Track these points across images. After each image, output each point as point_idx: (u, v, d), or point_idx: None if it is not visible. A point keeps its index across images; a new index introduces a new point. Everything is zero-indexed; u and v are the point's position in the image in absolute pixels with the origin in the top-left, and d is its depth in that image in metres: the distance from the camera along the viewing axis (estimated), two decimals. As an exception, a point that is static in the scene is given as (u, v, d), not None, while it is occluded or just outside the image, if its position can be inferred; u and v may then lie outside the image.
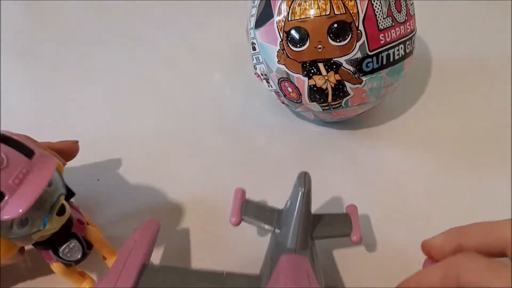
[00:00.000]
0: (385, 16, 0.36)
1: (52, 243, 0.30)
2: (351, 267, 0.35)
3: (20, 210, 0.25)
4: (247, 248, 0.36)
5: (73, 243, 0.31)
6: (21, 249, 0.31)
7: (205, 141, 0.44)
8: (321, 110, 0.40)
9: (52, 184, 0.29)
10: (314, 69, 0.36)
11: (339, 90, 0.37)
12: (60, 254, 0.30)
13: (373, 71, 0.37)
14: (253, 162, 0.42)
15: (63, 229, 0.30)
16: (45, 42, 0.55)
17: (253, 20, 0.39)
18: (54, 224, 0.29)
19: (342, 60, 0.36)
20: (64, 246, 0.30)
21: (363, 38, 0.35)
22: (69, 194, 0.31)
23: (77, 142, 0.35)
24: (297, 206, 0.30)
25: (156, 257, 0.36)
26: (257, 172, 0.42)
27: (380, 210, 0.38)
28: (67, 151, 0.34)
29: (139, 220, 0.38)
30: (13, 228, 0.27)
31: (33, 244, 0.30)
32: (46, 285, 0.34)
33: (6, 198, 0.25)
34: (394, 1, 0.36)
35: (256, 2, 0.39)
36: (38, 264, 0.35)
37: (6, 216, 0.25)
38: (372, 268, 0.35)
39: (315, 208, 0.39)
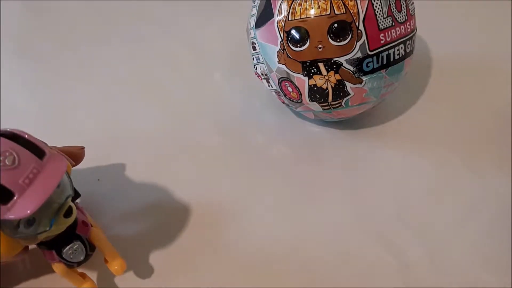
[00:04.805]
0: (385, 16, 0.36)
1: (56, 244, 0.30)
2: (349, 265, 0.35)
3: (28, 211, 0.25)
4: (248, 248, 0.36)
5: (77, 245, 0.31)
6: (25, 247, 0.31)
7: (205, 141, 0.44)
8: (321, 109, 0.40)
9: (60, 185, 0.28)
10: (314, 69, 0.36)
11: (340, 90, 0.37)
12: (63, 255, 0.30)
13: (373, 70, 0.37)
14: (253, 162, 0.42)
15: (67, 231, 0.30)
16: (45, 42, 0.55)
17: (253, 20, 0.39)
18: (60, 226, 0.29)
19: (342, 60, 0.36)
20: (67, 247, 0.30)
21: (363, 37, 0.35)
22: (75, 195, 0.31)
23: (83, 148, 0.35)
24: None
25: (157, 258, 0.36)
26: (257, 172, 0.42)
27: (380, 209, 0.38)
28: (73, 157, 0.34)
29: (139, 220, 0.38)
30: (19, 227, 0.27)
31: (37, 244, 0.30)
32: (46, 285, 0.34)
33: (15, 198, 0.25)
34: (394, 1, 0.36)
35: (256, 2, 0.39)
36: (37, 265, 0.35)
37: (14, 216, 0.25)
38: (371, 267, 0.35)
39: (313, 207, 0.39)
